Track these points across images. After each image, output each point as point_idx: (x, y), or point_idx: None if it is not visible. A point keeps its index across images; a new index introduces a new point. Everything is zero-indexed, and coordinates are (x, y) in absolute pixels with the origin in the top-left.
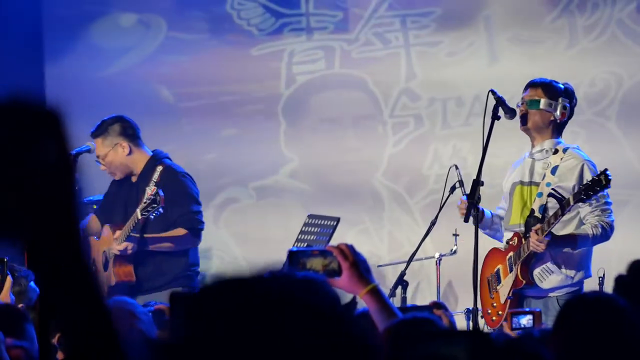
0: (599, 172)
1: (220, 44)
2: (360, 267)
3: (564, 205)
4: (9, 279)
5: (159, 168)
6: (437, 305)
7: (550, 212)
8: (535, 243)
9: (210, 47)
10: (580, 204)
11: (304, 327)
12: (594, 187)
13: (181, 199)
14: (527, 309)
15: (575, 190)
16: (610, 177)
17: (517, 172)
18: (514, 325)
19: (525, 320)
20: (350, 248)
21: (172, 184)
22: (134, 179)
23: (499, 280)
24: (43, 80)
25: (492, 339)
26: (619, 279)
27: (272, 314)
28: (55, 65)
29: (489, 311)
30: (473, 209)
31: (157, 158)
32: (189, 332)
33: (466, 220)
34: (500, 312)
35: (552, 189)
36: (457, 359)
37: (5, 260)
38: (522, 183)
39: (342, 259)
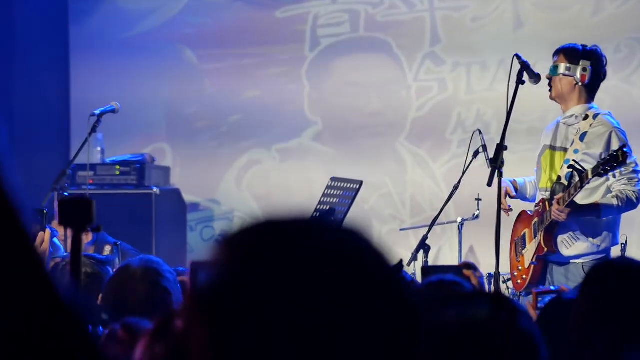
0: (620, 145)
1: (245, 6)
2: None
3: (582, 178)
4: (48, 231)
5: None
6: (468, 265)
7: (577, 179)
8: (557, 213)
9: (234, 9)
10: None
11: (349, 275)
12: (612, 162)
13: None
14: (552, 288)
15: (602, 158)
16: (628, 154)
17: (549, 135)
18: (539, 305)
19: None
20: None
21: None
22: None
23: (524, 245)
24: (68, 41)
25: (512, 302)
26: None
27: (321, 258)
28: (80, 27)
29: (515, 274)
30: (497, 174)
31: None
32: (235, 274)
33: (489, 185)
34: (524, 276)
35: (574, 160)
36: (480, 320)
37: (45, 212)
38: (552, 148)
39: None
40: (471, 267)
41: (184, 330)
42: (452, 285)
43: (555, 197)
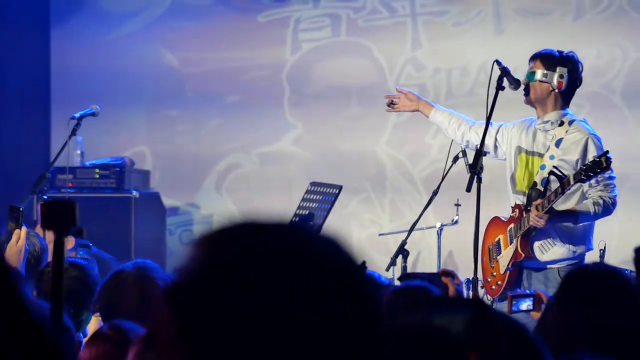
0: (602, 151)
1: (227, 10)
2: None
3: (564, 184)
4: (24, 229)
5: None
6: (446, 273)
7: (553, 186)
8: (535, 218)
9: (216, 12)
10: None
11: (321, 280)
12: (595, 168)
13: None
14: (528, 292)
15: (578, 165)
16: (611, 160)
17: (523, 136)
18: (513, 309)
19: (525, 306)
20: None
21: None
22: None
23: (499, 250)
24: (49, 43)
25: (490, 309)
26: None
27: (292, 260)
28: (61, 28)
29: (489, 280)
30: (475, 179)
31: None
32: (209, 269)
33: (468, 190)
34: (499, 282)
35: (554, 166)
36: (450, 330)
37: (21, 209)
38: (526, 152)
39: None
40: (450, 274)
41: (157, 320)
42: (419, 291)
43: (534, 203)
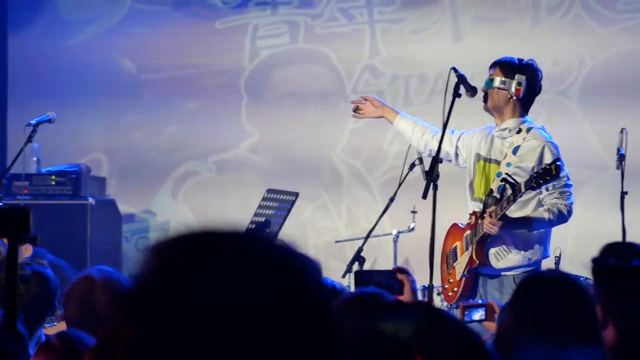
0: (553, 159)
1: (185, 17)
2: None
3: (515, 191)
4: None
5: None
6: (400, 270)
7: (508, 193)
8: (489, 225)
9: (174, 19)
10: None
11: (269, 286)
12: (545, 175)
13: None
14: (480, 302)
15: (534, 171)
16: (561, 167)
17: (482, 144)
18: (466, 319)
19: (478, 316)
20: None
21: None
22: None
23: (455, 257)
24: (6, 49)
25: (442, 314)
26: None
27: (247, 266)
28: (19, 35)
29: (446, 286)
30: (432, 186)
31: None
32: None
33: (424, 197)
34: (455, 289)
35: (507, 173)
36: (398, 337)
37: None
38: (484, 159)
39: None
40: (404, 271)
41: (111, 327)
42: (372, 297)
43: (487, 210)
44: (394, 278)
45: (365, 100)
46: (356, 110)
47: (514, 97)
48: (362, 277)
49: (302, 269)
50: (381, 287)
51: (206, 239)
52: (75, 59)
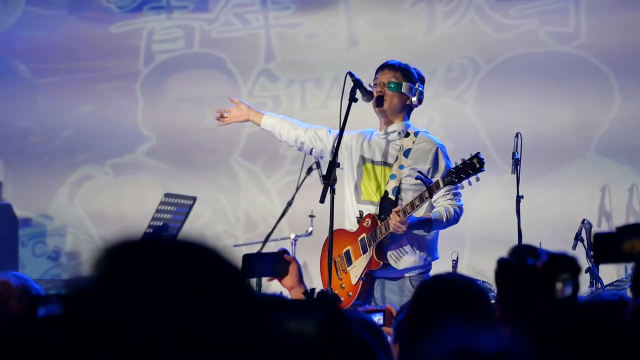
0: (449, 159)
1: (79, 20)
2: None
3: (431, 188)
4: None
5: None
6: (287, 251)
7: (407, 194)
8: (397, 224)
9: (68, 23)
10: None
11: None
12: (468, 170)
13: None
14: (378, 307)
15: (430, 173)
16: (483, 160)
17: (365, 147)
18: None
19: (376, 320)
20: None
21: None
22: None
23: (349, 261)
24: None
25: (344, 313)
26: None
27: (169, 273)
28: None
29: (337, 292)
30: (329, 190)
31: None
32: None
33: (322, 201)
34: (350, 293)
35: (418, 171)
36: (303, 333)
37: None
38: (372, 162)
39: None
40: (288, 253)
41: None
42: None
43: (394, 210)
44: (282, 259)
45: (233, 104)
46: (221, 117)
47: (414, 104)
48: (250, 261)
49: (231, 267)
50: (267, 268)
51: (145, 244)
52: None
